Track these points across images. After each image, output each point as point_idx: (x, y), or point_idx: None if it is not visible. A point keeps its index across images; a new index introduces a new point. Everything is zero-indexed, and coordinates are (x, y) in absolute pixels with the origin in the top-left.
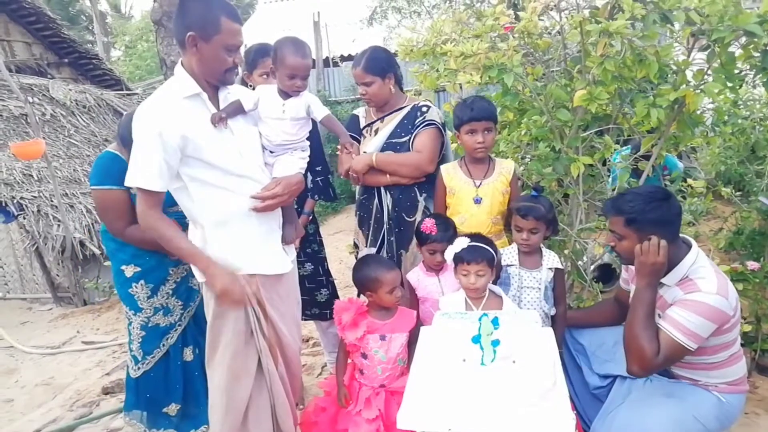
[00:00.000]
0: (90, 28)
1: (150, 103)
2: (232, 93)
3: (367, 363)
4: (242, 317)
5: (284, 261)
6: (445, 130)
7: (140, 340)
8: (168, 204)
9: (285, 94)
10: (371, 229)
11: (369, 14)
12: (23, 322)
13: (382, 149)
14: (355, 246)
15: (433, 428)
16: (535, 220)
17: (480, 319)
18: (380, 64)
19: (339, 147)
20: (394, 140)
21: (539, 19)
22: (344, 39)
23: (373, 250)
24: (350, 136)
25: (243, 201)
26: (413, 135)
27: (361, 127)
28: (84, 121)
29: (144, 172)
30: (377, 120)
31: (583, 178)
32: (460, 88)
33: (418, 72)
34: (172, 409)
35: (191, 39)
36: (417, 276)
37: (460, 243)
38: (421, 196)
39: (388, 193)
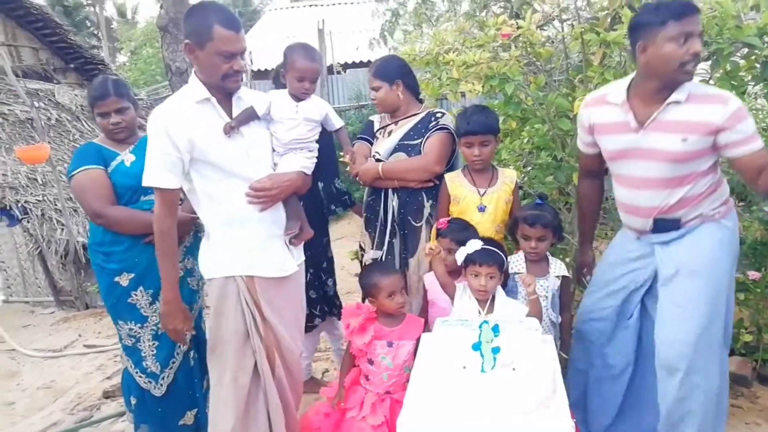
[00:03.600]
0: (96, 33)
1: (162, 106)
2: (243, 98)
3: (374, 369)
4: (240, 317)
5: (286, 264)
6: (456, 137)
7: (154, 351)
8: (145, 192)
9: (296, 97)
10: (377, 231)
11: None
12: (25, 325)
13: (395, 150)
14: (361, 249)
15: None
16: (543, 228)
17: (480, 326)
18: (388, 70)
19: (344, 154)
20: (406, 142)
21: (542, 29)
22: (349, 47)
23: (379, 254)
24: (364, 138)
25: (243, 204)
26: (425, 138)
27: (375, 129)
28: (89, 126)
29: (156, 171)
30: (391, 123)
31: None
32: (462, 96)
33: (421, 80)
34: (189, 417)
35: (188, 47)
36: (432, 279)
37: (473, 245)
38: (428, 201)
39: (395, 195)
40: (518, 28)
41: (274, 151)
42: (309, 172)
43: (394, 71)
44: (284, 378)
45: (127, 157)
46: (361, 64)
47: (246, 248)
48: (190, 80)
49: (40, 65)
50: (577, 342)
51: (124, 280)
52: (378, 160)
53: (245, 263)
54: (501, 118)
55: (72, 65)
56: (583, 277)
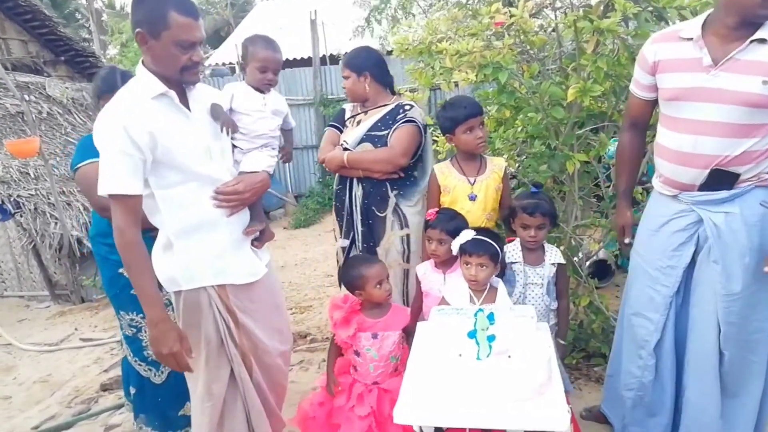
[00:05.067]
0: (86, 25)
1: (112, 104)
2: (199, 92)
3: (360, 360)
4: (211, 326)
5: (255, 268)
6: (425, 132)
7: None
8: None
9: (259, 90)
10: (344, 220)
11: (365, 19)
12: (21, 319)
13: (362, 140)
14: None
15: (429, 423)
16: (542, 216)
17: (476, 315)
18: (357, 61)
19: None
20: (373, 133)
21: (534, 18)
22: (342, 38)
23: (347, 242)
24: (335, 126)
25: (210, 208)
26: (393, 130)
27: (346, 118)
28: (80, 119)
29: (114, 177)
30: (361, 113)
31: (579, 175)
32: (456, 86)
33: (413, 70)
34: (189, 408)
35: (140, 36)
36: (425, 269)
37: (466, 235)
38: (392, 192)
39: (360, 185)
40: (511, 16)
41: (235, 148)
42: (272, 171)
43: (363, 63)
44: (263, 382)
45: None
46: None
47: (215, 254)
48: (138, 73)
49: (29, 58)
50: (626, 343)
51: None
52: (346, 149)
53: (215, 271)
54: (494, 107)
55: (62, 58)
56: (623, 243)
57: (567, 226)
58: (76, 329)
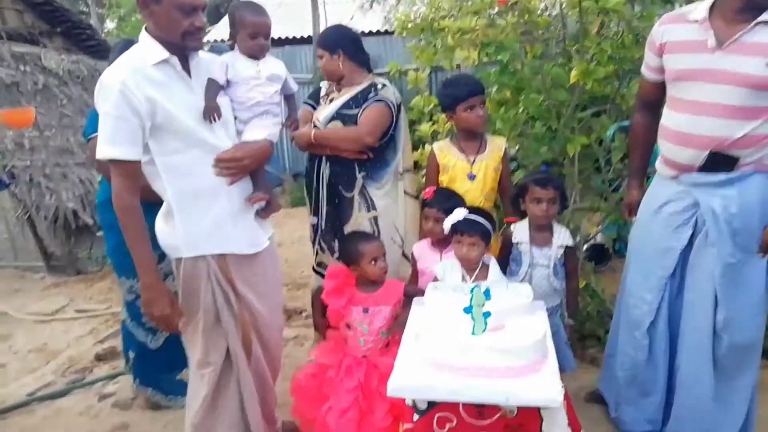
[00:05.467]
0: None
1: (113, 67)
2: (201, 59)
3: (351, 334)
4: (210, 296)
5: (258, 239)
6: (398, 110)
7: None
8: None
9: (252, 57)
10: (313, 197)
11: None
12: (16, 289)
13: (332, 118)
14: None
15: (423, 397)
16: (554, 190)
17: (472, 291)
18: (331, 40)
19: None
20: (344, 111)
21: None
22: (343, 16)
23: (315, 220)
24: (309, 104)
25: (210, 176)
26: (363, 109)
27: (321, 95)
28: (77, 91)
29: (113, 142)
30: (335, 91)
31: (579, 158)
32: (458, 68)
33: (415, 47)
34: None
35: (142, 1)
36: (421, 248)
37: (458, 214)
38: (360, 173)
39: (327, 163)
40: None
41: (235, 118)
42: (275, 140)
43: (336, 41)
44: (261, 357)
45: None
46: (370, 34)
47: (215, 224)
48: (141, 38)
49: (25, 28)
50: (623, 323)
51: None
52: (316, 127)
53: (215, 241)
54: (495, 88)
55: (58, 29)
56: (627, 219)
57: (566, 209)
58: (71, 300)
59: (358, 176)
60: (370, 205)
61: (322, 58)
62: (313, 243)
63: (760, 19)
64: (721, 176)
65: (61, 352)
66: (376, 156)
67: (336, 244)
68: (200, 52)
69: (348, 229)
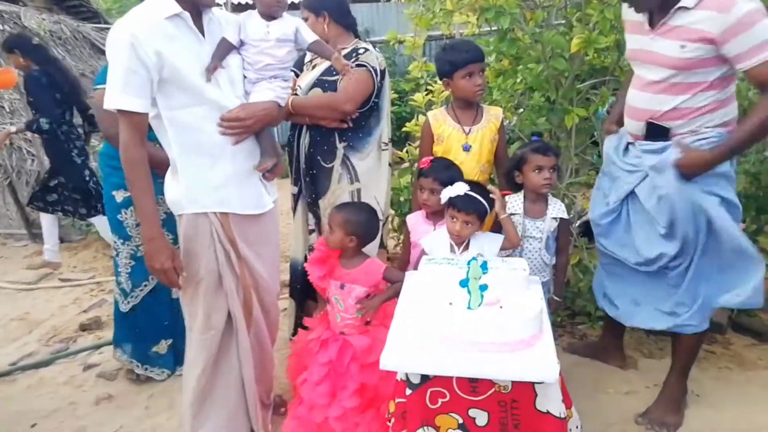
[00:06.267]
0: None
1: (124, 19)
2: (215, 17)
3: (329, 308)
4: (213, 256)
5: (261, 201)
6: (382, 77)
7: (129, 270)
8: None
9: (269, 16)
10: (294, 167)
11: None
12: None
13: (313, 85)
14: None
15: (417, 370)
16: (555, 157)
17: (469, 263)
18: (315, 2)
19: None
20: (324, 77)
21: None
22: None
23: (295, 189)
24: (293, 71)
25: (215, 135)
26: (343, 75)
27: (305, 62)
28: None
29: (121, 93)
30: (318, 57)
31: (576, 131)
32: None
33: (412, 13)
34: (162, 346)
35: None
36: (415, 220)
37: (459, 188)
38: (340, 143)
39: (307, 133)
40: None
41: (245, 78)
42: (283, 103)
43: (321, 3)
44: (262, 320)
45: None
46: (363, 0)
47: (218, 184)
48: None
49: None
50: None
51: (119, 196)
52: (295, 94)
53: (218, 199)
54: (493, 56)
55: None
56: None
57: (561, 183)
58: (54, 269)
59: (338, 146)
60: (353, 177)
61: (307, 20)
62: (294, 212)
63: (679, 4)
64: (659, 144)
65: (44, 321)
66: (357, 125)
67: (319, 214)
68: (215, 10)
69: (325, 201)
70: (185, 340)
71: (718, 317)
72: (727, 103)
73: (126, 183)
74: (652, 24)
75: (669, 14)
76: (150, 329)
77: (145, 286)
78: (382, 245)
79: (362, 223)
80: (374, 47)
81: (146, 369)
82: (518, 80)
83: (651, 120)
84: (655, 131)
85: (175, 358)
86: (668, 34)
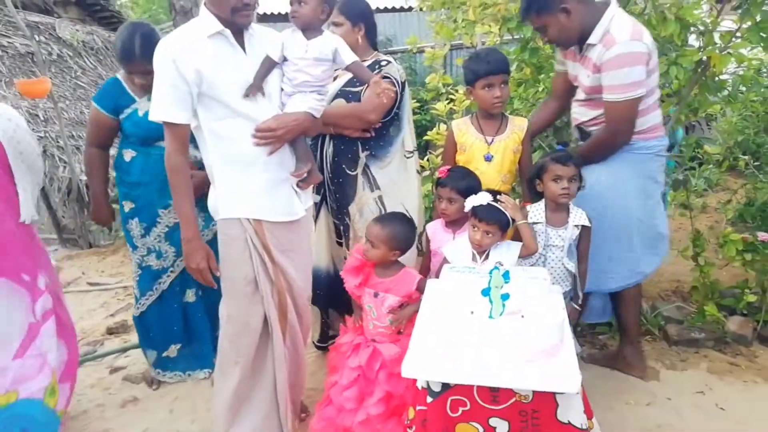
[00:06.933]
0: None
1: (170, 37)
2: (255, 32)
3: (363, 315)
4: (248, 261)
5: (294, 208)
6: (403, 88)
7: (137, 278)
8: (157, 138)
9: (310, 35)
10: None
11: None
12: None
13: (336, 96)
14: None
15: (438, 378)
16: (575, 167)
17: (491, 273)
18: (355, 9)
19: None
20: (348, 89)
21: None
22: None
23: (317, 198)
24: None
25: (250, 146)
26: (366, 86)
27: None
28: (91, 63)
29: (164, 105)
30: (341, 67)
31: None
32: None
33: (434, 21)
34: (172, 350)
35: None
36: (434, 228)
37: (482, 198)
38: (363, 152)
39: (330, 141)
40: None
41: (282, 90)
42: (317, 114)
43: (361, 13)
44: (297, 323)
45: (142, 105)
46: (385, 10)
47: (251, 192)
48: (201, 12)
49: None
50: None
51: (126, 206)
52: None
53: (250, 206)
54: (515, 65)
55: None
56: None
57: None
58: (83, 273)
59: (361, 155)
60: (373, 185)
61: (340, 26)
62: (316, 221)
63: (588, 41)
64: None
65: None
66: (379, 134)
67: (347, 221)
68: (257, 26)
69: (353, 208)
70: (198, 345)
71: (743, 329)
72: (643, 113)
73: (169, 189)
74: (579, 53)
75: (585, 48)
76: (159, 334)
77: (150, 295)
78: (420, 251)
79: (405, 236)
80: (394, 58)
81: (158, 373)
82: (540, 89)
83: (579, 126)
84: (582, 134)
85: (186, 363)
86: (585, 63)
